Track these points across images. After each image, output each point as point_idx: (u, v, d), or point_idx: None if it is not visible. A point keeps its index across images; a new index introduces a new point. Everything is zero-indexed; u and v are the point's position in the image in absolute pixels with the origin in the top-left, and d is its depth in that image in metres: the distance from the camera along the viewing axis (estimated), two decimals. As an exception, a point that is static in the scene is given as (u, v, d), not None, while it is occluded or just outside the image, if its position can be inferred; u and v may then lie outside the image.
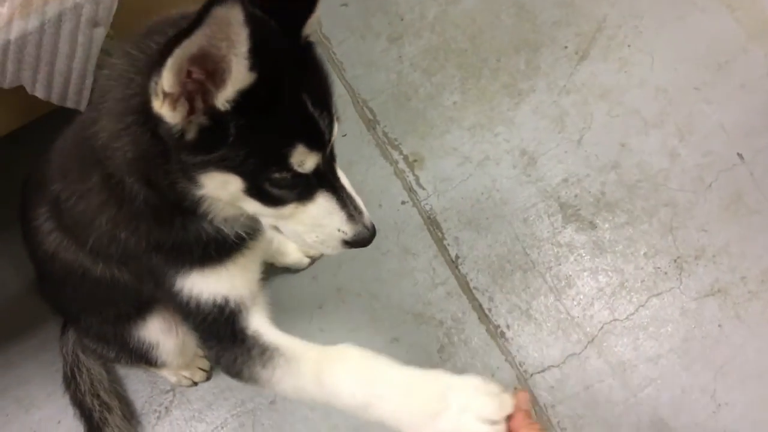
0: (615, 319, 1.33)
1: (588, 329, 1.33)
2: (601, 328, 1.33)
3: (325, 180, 0.77)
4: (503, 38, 1.58)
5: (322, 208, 0.78)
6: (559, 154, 1.47)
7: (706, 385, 1.28)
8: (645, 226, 1.40)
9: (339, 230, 0.80)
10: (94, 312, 1.12)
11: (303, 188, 0.76)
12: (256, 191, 0.74)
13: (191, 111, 0.66)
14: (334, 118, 0.75)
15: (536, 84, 1.54)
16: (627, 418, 1.26)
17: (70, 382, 1.30)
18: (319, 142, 0.73)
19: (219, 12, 0.57)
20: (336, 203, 0.79)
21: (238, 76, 0.64)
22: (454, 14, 1.61)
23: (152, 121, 0.68)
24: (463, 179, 1.47)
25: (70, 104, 0.95)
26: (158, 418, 1.32)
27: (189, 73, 0.64)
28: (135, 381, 1.35)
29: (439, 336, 1.34)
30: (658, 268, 1.37)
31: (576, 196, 1.44)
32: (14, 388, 1.34)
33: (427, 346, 1.34)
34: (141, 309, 1.09)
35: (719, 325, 1.32)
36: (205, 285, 0.86)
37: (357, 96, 1.55)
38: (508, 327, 1.35)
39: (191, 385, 1.33)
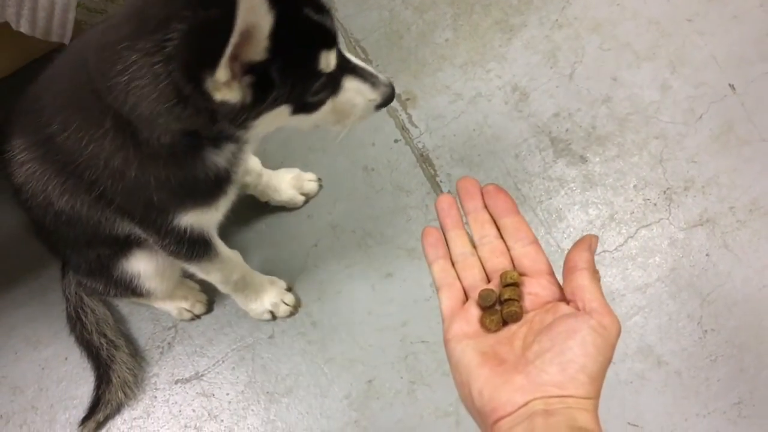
0: (604, 251, 1.35)
1: (578, 261, 1.35)
2: (591, 259, 1.35)
3: (342, 67, 0.85)
4: (495, -27, 1.57)
5: (351, 90, 0.88)
6: (550, 89, 1.48)
7: (692, 312, 1.31)
8: (635, 159, 1.41)
9: (369, 100, 0.90)
10: (79, 251, 1.17)
11: (332, 83, 0.85)
12: (300, 108, 0.83)
13: (234, 78, 0.71)
14: (331, 12, 0.81)
15: (528, 19, 1.54)
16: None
17: (75, 323, 1.33)
18: (332, 40, 0.81)
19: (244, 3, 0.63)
20: (359, 80, 0.88)
21: (265, 26, 0.68)
22: (446, -50, 1.60)
23: (197, 106, 0.74)
24: (455, 116, 1.48)
25: (54, 38, 0.96)
26: (161, 353, 1.37)
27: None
28: (138, 319, 1.39)
29: (432, 270, 1.37)
30: (648, 199, 1.38)
31: (567, 130, 1.44)
32: (22, 327, 1.39)
33: (420, 280, 1.37)
34: (122, 247, 1.14)
35: (707, 255, 1.34)
36: (198, 219, 0.99)
37: (349, 35, 1.55)
38: (499, 260, 1.37)
39: (193, 319, 1.37)
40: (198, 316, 1.37)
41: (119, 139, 0.84)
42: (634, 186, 1.40)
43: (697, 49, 1.48)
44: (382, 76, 0.90)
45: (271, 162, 1.39)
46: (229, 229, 1.38)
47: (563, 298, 0.68)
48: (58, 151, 0.91)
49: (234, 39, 0.64)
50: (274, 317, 1.35)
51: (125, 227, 1.04)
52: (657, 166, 1.40)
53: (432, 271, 0.75)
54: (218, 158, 0.92)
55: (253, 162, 1.30)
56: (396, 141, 1.46)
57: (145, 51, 0.72)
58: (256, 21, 0.66)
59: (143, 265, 1.17)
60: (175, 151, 0.85)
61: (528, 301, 0.69)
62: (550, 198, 1.40)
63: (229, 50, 0.65)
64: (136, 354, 1.36)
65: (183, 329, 1.38)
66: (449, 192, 1.40)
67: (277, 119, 0.82)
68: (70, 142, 0.88)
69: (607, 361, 0.61)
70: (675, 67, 1.47)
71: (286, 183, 1.39)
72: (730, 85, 1.45)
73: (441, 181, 1.43)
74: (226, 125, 0.80)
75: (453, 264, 0.75)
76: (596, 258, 1.35)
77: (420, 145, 1.46)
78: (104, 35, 0.79)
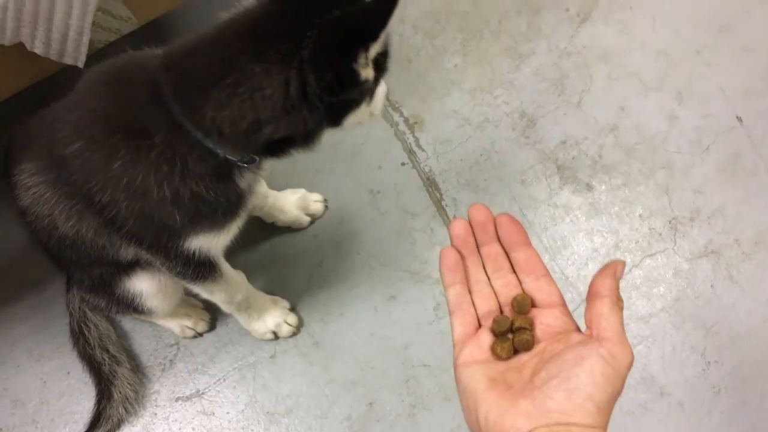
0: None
1: (582, 288, 1.35)
2: (595, 287, 1.35)
3: None
4: (505, 0, 1.59)
5: (380, 87, 0.93)
6: (558, 116, 1.49)
7: (696, 343, 1.30)
8: (641, 188, 1.42)
9: (384, 90, 0.95)
10: (82, 268, 1.18)
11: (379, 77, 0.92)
12: (371, 95, 0.90)
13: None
14: None
15: (537, 46, 1.55)
16: (617, 375, 1.29)
17: (78, 338, 1.33)
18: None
19: None
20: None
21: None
22: (457, -24, 1.62)
23: (317, 104, 0.82)
24: (462, 141, 1.48)
25: (68, 60, 0.97)
26: (163, 370, 1.37)
27: None
28: (141, 335, 1.40)
29: (435, 294, 1.37)
30: (653, 229, 1.39)
31: (573, 158, 1.45)
32: (25, 340, 1.39)
33: (423, 303, 1.37)
34: (125, 267, 1.14)
35: (711, 286, 1.34)
36: (208, 242, 1.01)
37: (359, 58, 1.56)
38: (503, 286, 1.37)
39: (195, 336, 1.37)
40: (200, 334, 1.37)
41: (166, 155, 0.86)
42: (640, 215, 1.40)
43: (705, 80, 1.49)
44: None
45: (277, 183, 1.40)
46: (234, 248, 1.39)
47: (576, 328, 0.68)
48: (73, 172, 0.92)
49: (395, 10, 0.75)
50: (276, 337, 1.35)
51: (130, 252, 1.05)
52: (663, 195, 1.41)
53: (447, 294, 0.74)
54: (240, 181, 0.95)
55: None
56: (403, 164, 1.47)
57: (275, 60, 0.78)
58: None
59: (145, 284, 1.17)
60: (219, 170, 0.90)
61: (540, 332, 0.68)
62: (555, 225, 1.41)
63: (390, 21, 0.76)
64: (138, 370, 1.36)
65: (185, 346, 1.38)
66: (455, 216, 1.40)
67: (363, 108, 0.89)
68: (91, 161, 0.89)
69: (617, 392, 0.60)
70: (682, 98, 1.48)
71: (291, 204, 1.39)
72: (737, 117, 1.45)
73: (447, 205, 1.43)
74: (324, 125, 0.87)
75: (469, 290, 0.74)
76: (600, 286, 1.35)
77: (427, 169, 1.46)
78: (192, 56, 0.83)
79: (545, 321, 0.69)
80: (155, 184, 0.88)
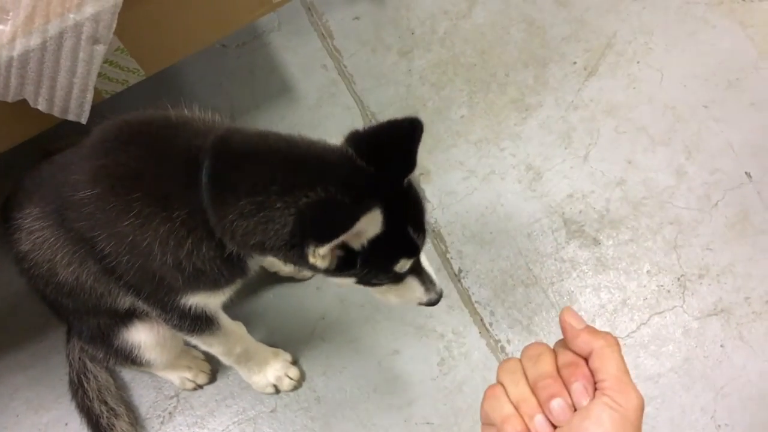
0: (616, 337, 1.33)
1: (588, 346, 1.32)
2: (602, 345, 1.32)
3: (412, 268, 0.97)
4: (512, 53, 1.59)
5: (408, 287, 0.99)
6: (564, 169, 1.48)
7: (706, 405, 1.27)
8: (649, 244, 1.40)
9: (417, 298, 1.01)
10: (80, 317, 1.17)
11: (397, 277, 0.96)
12: (363, 283, 0.95)
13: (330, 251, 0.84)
14: (426, 233, 0.94)
15: (544, 99, 1.55)
16: (625, 437, 1.25)
17: (77, 389, 1.32)
18: (415, 253, 0.93)
19: (366, 217, 0.77)
20: (418, 282, 0.99)
21: (372, 233, 0.83)
22: (465, 29, 1.62)
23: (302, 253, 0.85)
24: (468, 193, 1.48)
25: (71, 117, 0.98)
26: (162, 423, 1.35)
27: None
28: (141, 386, 1.38)
29: (440, 349, 1.35)
30: (661, 286, 1.36)
31: (580, 212, 1.44)
32: (24, 390, 1.37)
33: (427, 359, 1.35)
34: (122, 318, 1.14)
35: (721, 346, 1.31)
36: (205, 300, 1.02)
37: (366, 109, 1.57)
38: (508, 342, 1.35)
39: (195, 389, 1.35)
40: (201, 386, 1.36)
41: (179, 233, 0.87)
42: (648, 271, 1.38)
43: (713, 135, 1.48)
44: (438, 286, 1.02)
45: (282, 233, 1.39)
46: (236, 298, 1.38)
47: None
48: (80, 218, 0.91)
49: (344, 237, 0.78)
50: (277, 391, 1.33)
51: (128, 302, 1.05)
52: (671, 252, 1.39)
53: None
54: (250, 262, 0.99)
55: None
56: (408, 216, 1.46)
57: (291, 203, 0.82)
58: (366, 229, 0.81)
59: (144, 336, 1.17)
60: (229, 255, 0.92)
61: None
62: (562, 280, 1.39)
63: (337, 242, 0.79)
64: (137, 423, 1.34)
65: (185, 399, 1.36)
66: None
67: (342, 282, 0.94)
68: (101, 211, 0.88)
69: None
70: (690, 153, 1.47)
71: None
72: (746, 173, 1.44)
73: (452, 258, 1.42)
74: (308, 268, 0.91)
75: None
76: (607, 344, 1.32)
77: (432, 221, 1.45)
78: (244, 158, 0.86)
79: None
80: (159, 252, 0.89)
